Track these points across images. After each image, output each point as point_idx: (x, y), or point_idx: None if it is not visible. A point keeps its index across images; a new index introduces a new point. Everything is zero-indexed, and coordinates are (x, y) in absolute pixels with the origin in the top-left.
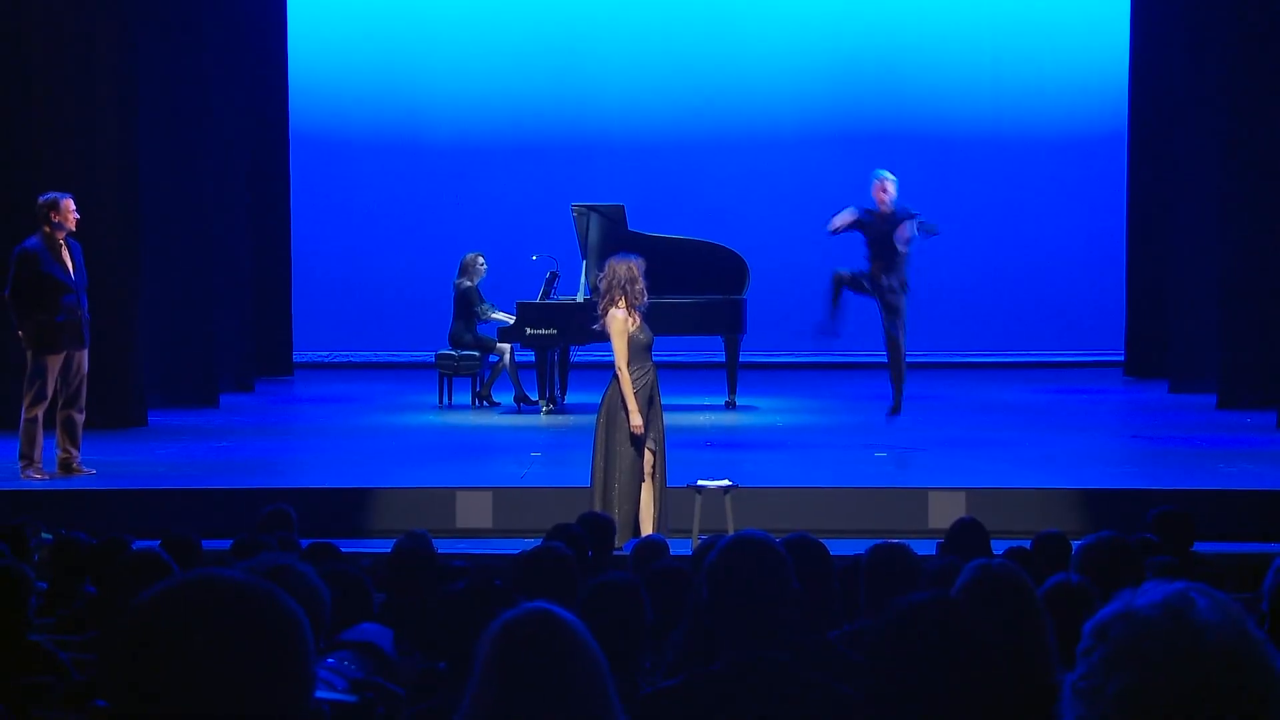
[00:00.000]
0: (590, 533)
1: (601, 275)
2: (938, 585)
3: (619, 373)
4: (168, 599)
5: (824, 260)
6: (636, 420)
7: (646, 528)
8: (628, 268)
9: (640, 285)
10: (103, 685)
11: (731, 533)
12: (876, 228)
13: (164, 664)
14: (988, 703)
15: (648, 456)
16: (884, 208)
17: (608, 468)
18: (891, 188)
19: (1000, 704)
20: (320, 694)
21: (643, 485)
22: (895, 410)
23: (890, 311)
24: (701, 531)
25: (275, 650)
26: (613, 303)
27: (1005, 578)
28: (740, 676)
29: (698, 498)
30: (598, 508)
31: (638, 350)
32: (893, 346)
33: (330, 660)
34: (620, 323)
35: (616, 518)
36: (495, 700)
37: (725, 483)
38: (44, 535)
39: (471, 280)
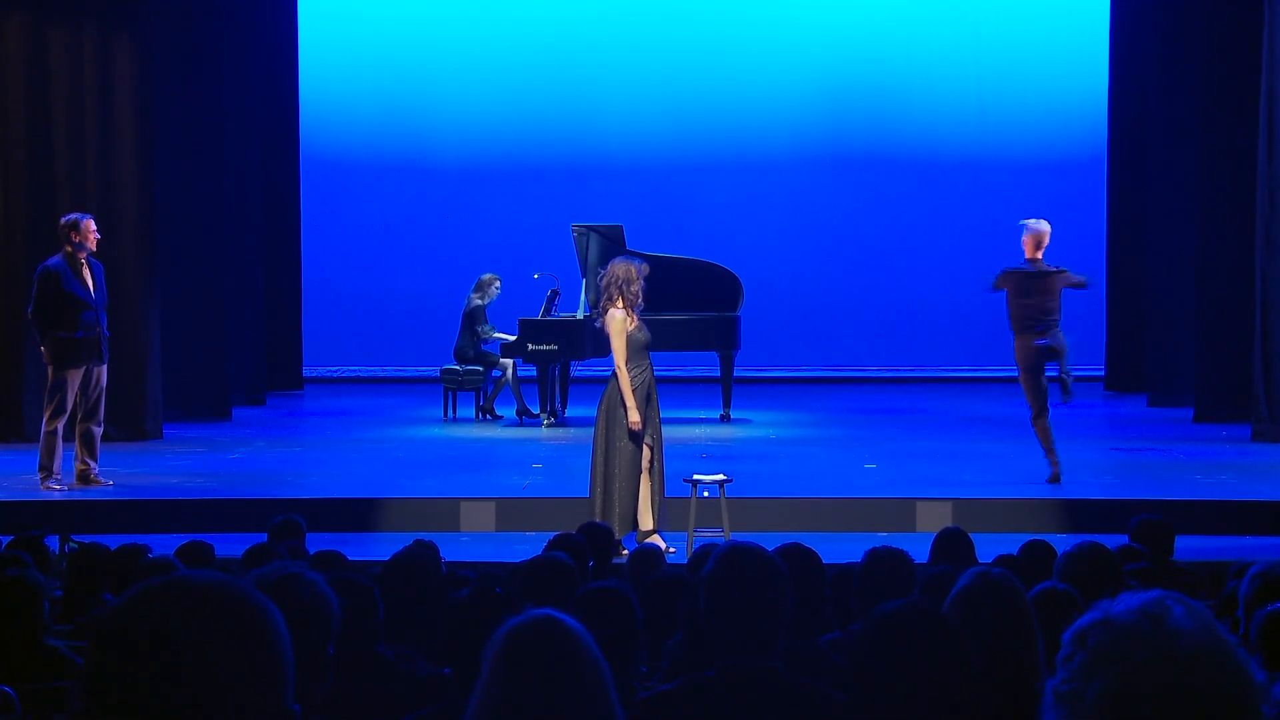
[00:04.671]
0: (591, 542)
1: (603, 273)
2: (932, 592)
3: (618, 370)
4: (137, 603)
5: (816, 279)
6: (635, 416)
7: (645, 521)
8: (626, 269)
9: (637, 287)
10: (82, 688)
11: (727, 530)
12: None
13: (134, 667)
14: (971, 707)
15: (645, 452)
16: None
17: (608, 463)
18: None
19: (984, 708)
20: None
21: (640, 480)
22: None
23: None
24: (697, 527)
25: (247, 650)
26: (611, 301)
27: (1002, 585)
28: (734, 682)
29: (693, 493)
30: (598, 502)
31: (635, 349)
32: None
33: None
34: (619, 322)
35: (616, 511)
36: (501, 703)
37: (720, 477)
38: (71, 544)
39: (483, 299)
